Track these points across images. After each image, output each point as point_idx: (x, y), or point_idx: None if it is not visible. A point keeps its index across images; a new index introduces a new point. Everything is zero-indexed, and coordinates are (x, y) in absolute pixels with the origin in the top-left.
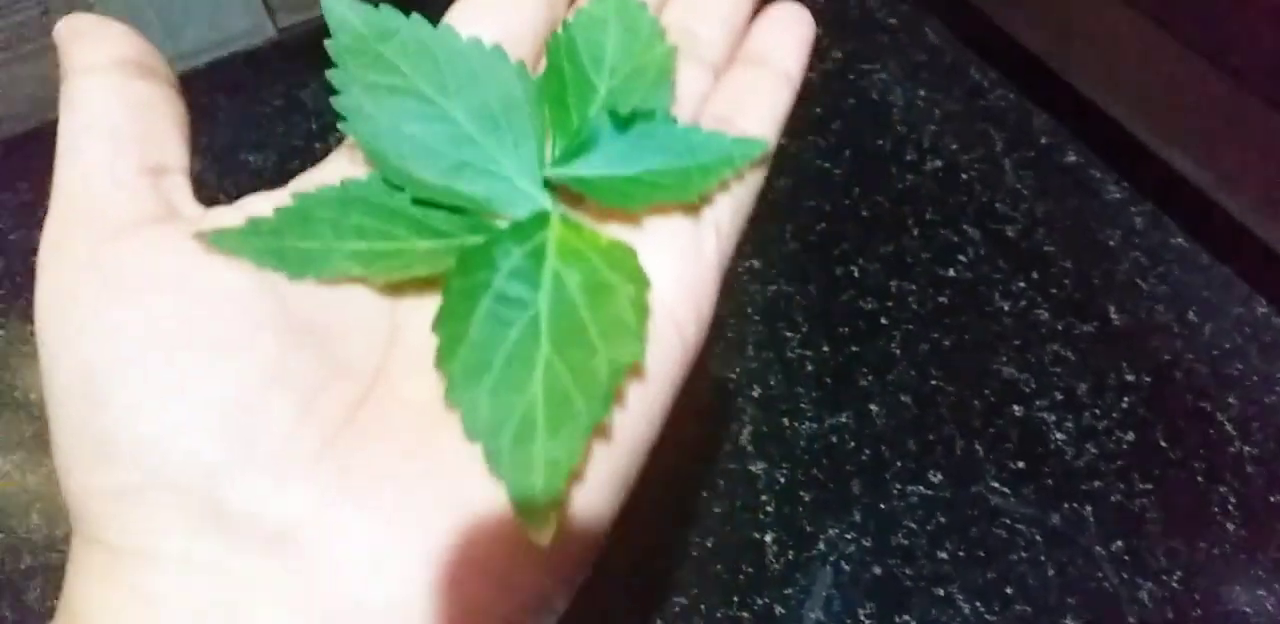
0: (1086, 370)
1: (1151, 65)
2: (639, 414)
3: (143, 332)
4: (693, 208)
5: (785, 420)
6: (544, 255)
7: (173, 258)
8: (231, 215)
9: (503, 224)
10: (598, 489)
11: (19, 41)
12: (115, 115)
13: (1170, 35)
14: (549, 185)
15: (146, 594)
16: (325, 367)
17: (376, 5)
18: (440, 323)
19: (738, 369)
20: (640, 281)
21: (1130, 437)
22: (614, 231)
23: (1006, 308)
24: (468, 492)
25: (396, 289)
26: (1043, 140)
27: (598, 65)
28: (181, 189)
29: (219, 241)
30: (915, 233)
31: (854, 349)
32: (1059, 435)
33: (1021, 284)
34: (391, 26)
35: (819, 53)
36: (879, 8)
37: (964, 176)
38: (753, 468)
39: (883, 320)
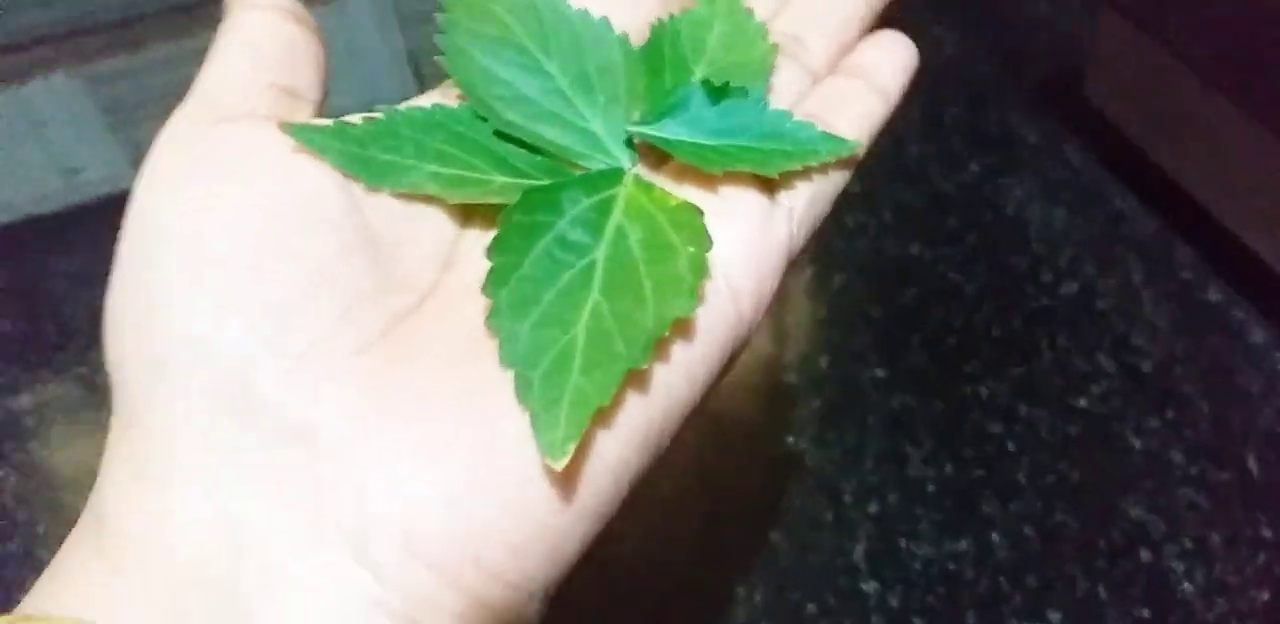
0: (1220, 520)
1: None
2: (680, 372)
3: (214, 209)
4: (770, 185)
5: (902, 541)
6: (611, 208)
7: (267, 148)
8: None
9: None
10: (624, 439)
11: None
12: (263, 40)
13: None
14: (631, 145)
15: (162, 474)
16: (379, 276)
17: None
18: (495, 249)
19: (855, 482)
20: (701, 243)
21: (1265, 596)
22: (687, 194)
23: (1139, 446)
24: (498, 424)
25: (466, 216)
26: (1184, 274)
27: (697, 55)
28: (305, 115)
29: (302, 136)
30: (1047, 358)
31: (979, 473)
32: (1188, 586)
33: (1155, 423)
34: None
35: (957, 163)
36: (1020, 124)
37: (1100, 304)
38: (864, 587)
39: (1009, 446)
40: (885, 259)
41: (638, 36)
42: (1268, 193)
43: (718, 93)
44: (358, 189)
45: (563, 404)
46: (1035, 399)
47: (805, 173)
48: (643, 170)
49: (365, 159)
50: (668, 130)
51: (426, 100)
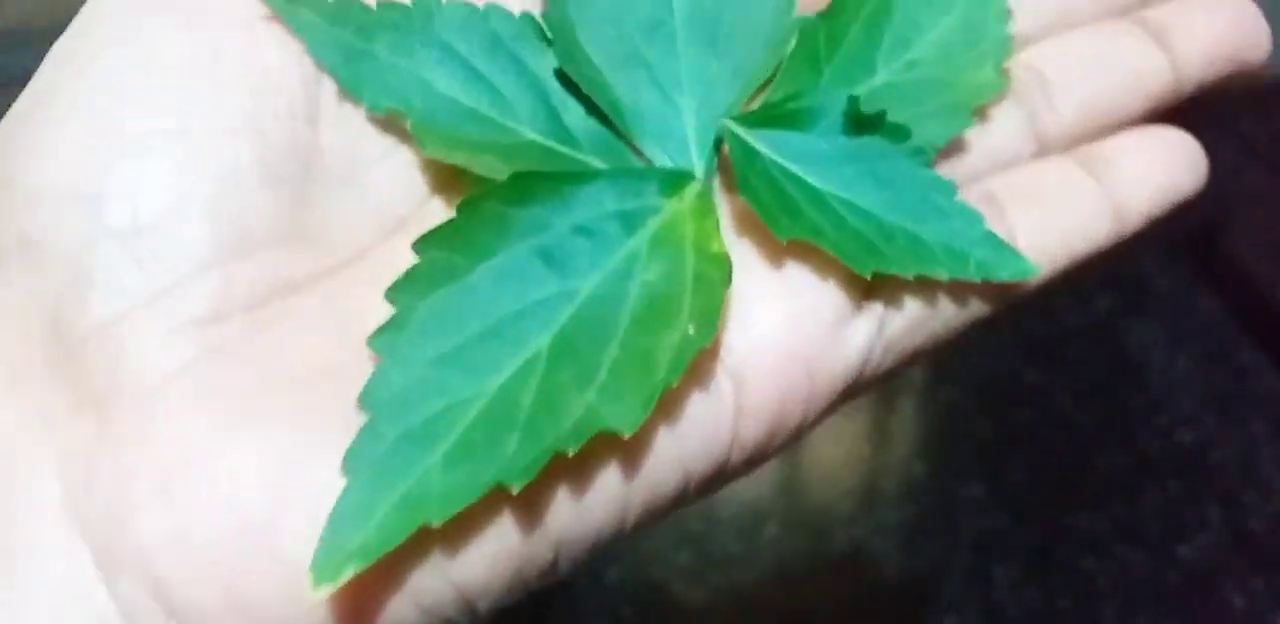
0: None
1: None
2: (598, 499)
3: (132, 64)
4: (861, 283)
5: None
6: (641, 226)
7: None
8: None
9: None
10: (459, 573)
11: None
12: None
13: None
14: (719, 145)
15: None
16: (297, 219)
17: None
18: (437, 238)
19: (937, 596)
20: (707, 326)
21: None
22: (744, 247)
23: (1240, 605)
24: (316, 476)
25: (451, 173)
26: None
27: (898, 49)
28: None
29: (282, 6)
30: (1153, 501)
31: (1063, 604)
32: None
33: (1260, 584)
34: None
35: (1084, 298)
36: (1154, 268)
37: (1215, 457)
38: None
39: (1100, 582)
40: (998, 380)
41: None
42: None
43: (863, 122)
44: (328, 91)
45: (391, 494)
46: (1134, 540)
47: (928, 286)
48: (720, 186)
49: (358, 55)
50: (764, 142)
51: None
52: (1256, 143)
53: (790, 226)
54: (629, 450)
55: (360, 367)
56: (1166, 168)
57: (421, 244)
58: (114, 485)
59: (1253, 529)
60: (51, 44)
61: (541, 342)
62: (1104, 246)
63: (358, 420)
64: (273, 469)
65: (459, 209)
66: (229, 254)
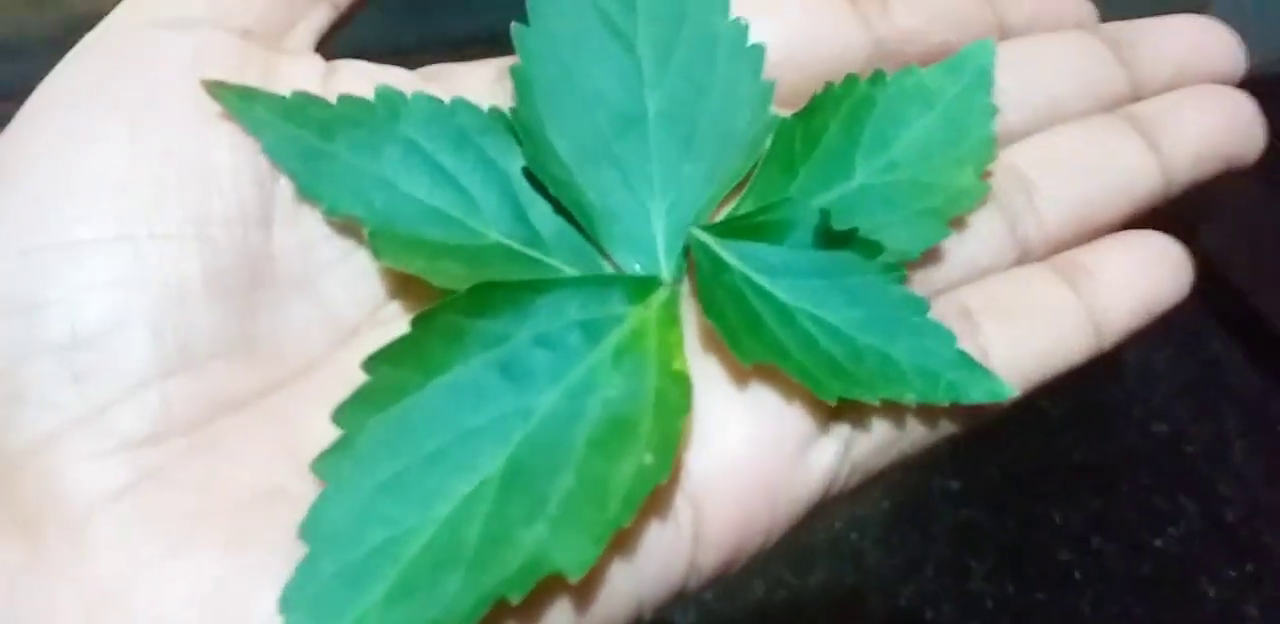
0: None
1: None
2: None
3: (79, 154)
4: (827, 404)
5: None
6: (603, 337)
7: (185, 94)
8: (306, 77)
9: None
10: None
11: None
12: None
13: None
14: (687, 251)
15: None
16: (244, 330)
17: None
18: (385, 358)
19: (913, 588)
20: (664, 458)
21: None
22: (709, 364)
23: (1212, 594)
24: (244, 612)
25: (403, 279)
26: None
27: (876, 149)
28: (315, 23)
29: (236, 104)
30: (1127, 493)
31: (1039, 596)
32: None
33: (1233, 573)
34: None
35: None
36: None
37: (1189, 448)
38: None
39: (1076, 574)
40: None
41: (810, 69)
42: None
43: (836, 237)
44: (284, 191)
45: None
46: (1109, 532)
47: (897, 407)
48: (687, 293)
49: (317, 154)
50: (731, 253)
51: (468, 75)
52: None
53: (754, 348)
54: (579, 589)
55: (307, 490)
56: (1149, 279)
57: (371, 362)
58: (39, 616)
59: (1227, 520)
60: (48, 55)
61: (493, 466)
62: (1082, 362)
63: (299, 551)
64: (208, 604)
65: (413, 324)
66: (170, 370)
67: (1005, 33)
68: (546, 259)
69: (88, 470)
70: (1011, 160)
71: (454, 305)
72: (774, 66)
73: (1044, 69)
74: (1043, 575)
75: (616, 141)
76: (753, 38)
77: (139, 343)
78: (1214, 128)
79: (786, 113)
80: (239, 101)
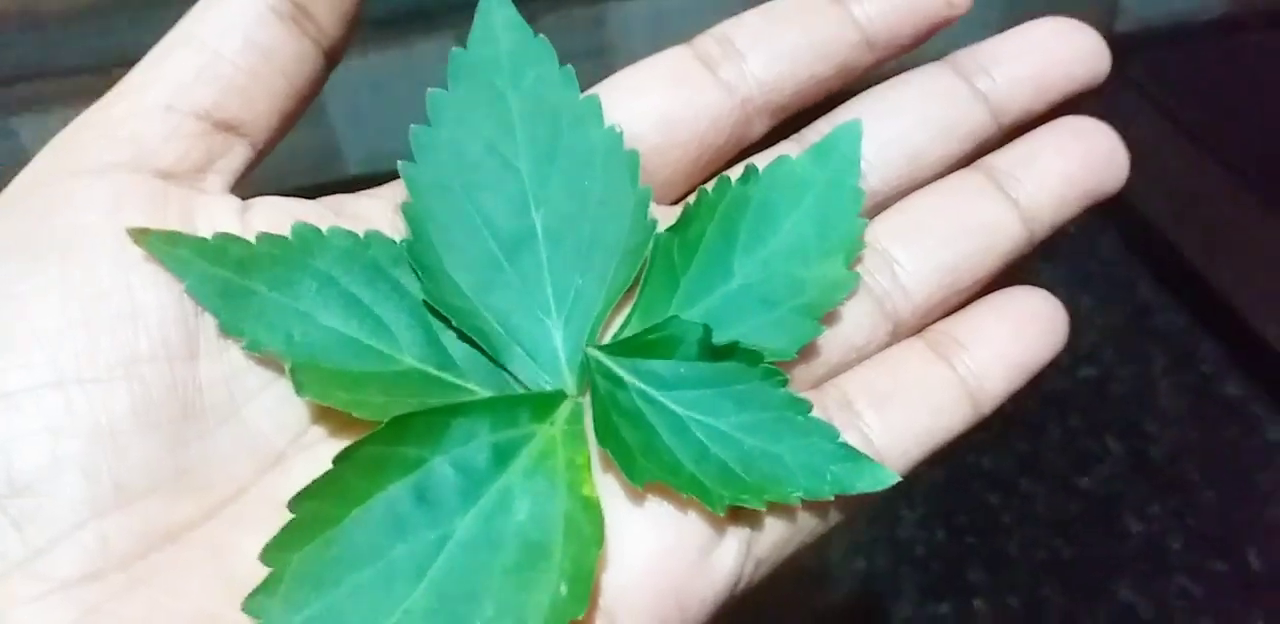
0: (1212, 610)
1: None
2: None
3: (9, 297)
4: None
5: (882, 600)
6: (513, 457)
7: (108, 239)
8: (224, 217)
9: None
10: None
11: None
12: (228, 42)
13: None
14: (587, 366)
15: None
16: (172, 462)
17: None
18: (308, 494)
19: (844, 537)
20: (580, 589)
21: None
22: (610, 478)
23: (1137, 530)
24: None
25: (326, 407)
26: (1205, 368)
27: (752, 248)
28: (232, 163)
29: (159, 248)
30: (1055, 436)
31: (969, 541)
32: None
33: (1157, 508)
34: (532, 56)
35: None
36: None
37: (1116, 390)
38: None
39: (1005, 518)
40: None
41: (687, 160)
42: None
43: (716, 353)
44: (208, 326)
45: None
46: (1038, 475)
47: (787, 507)
48: (588, 410)
49: (237, 292)
50: (626, 371)
51: (369, 207)
52: (1150, 94)
53: (646, 469)
54: None
55: (242, 618)
56: (1022, 343)
57: (296, 499)
58: None
59: (1150, 457)
60: (64, 29)
61: (415, 596)
62: (962, 431)
63: None
64: None
65: (335, 460)
66: (105, 509)
67: (869, 48)
68: (460, 382)
69: (29, 613)
70: (874, 235)
71: (373, 438)
72: (655, 149)
73: (901, 122)
74: (972, 521)
75: (511, 263)
76: (626, 123)
77: (74, 485)
78: (1074, 169)
79: (671, 206)
80: (162, 245)
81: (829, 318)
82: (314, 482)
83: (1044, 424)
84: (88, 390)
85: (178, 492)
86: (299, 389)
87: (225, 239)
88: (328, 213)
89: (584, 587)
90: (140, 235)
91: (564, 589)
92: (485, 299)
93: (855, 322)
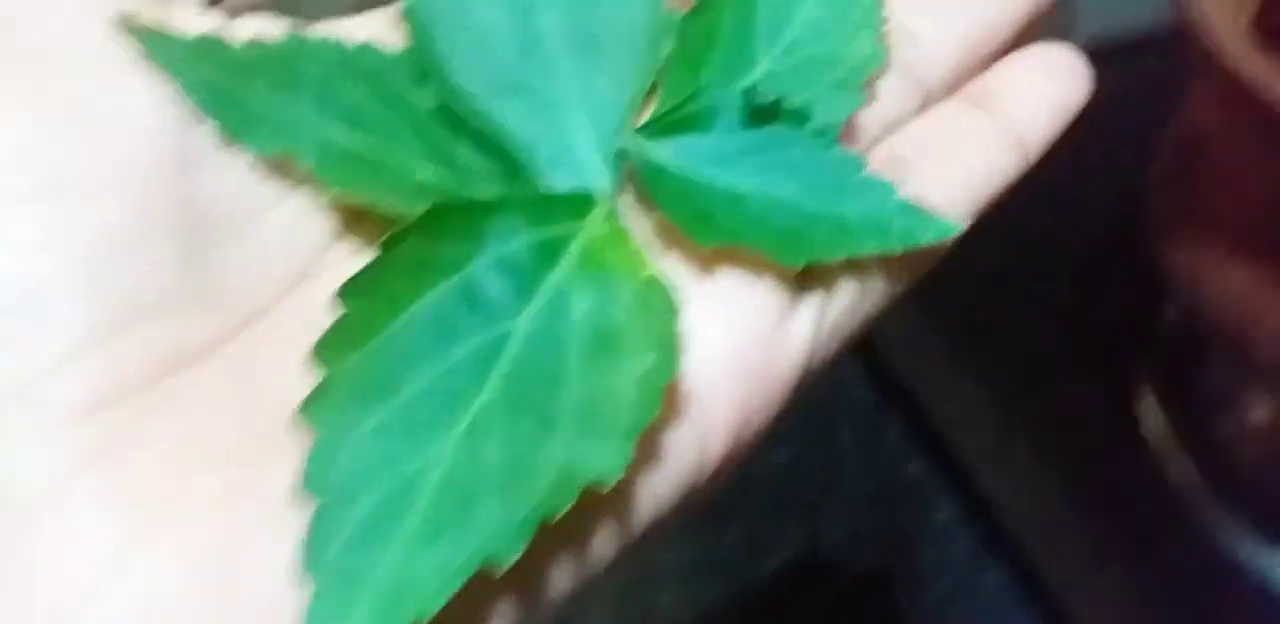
0: None
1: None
2: (596, 550)
3: None
4: (793, 275)
5: None
6: (559, 255)
7: (93, 41)
8: (206, 26)
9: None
10: None
11: None
12: None
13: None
14: (619, 164)
15: None
16: (184, 279)
17: None
18: (353, 290)
19: None
20: (668, 352)
21: None
22: (670, 262)
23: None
24: (270, 567)
25: (353, 215)
26: (890, 447)
27: (772, 35)
28: None
29: (154, 44)
30: (734, 531)
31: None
32: None
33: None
34: None
35: None
36: None
37: (802, 473)
38: None
39: (682, 616)
40: None
41: None
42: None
43: (762, 113)
44: (205, 137)
45: (368, 591)
46: (715, 569)
47: (857, 264)
48: (627, 204)
49: (235, 97)
50: (669, 154)
51: (361, 27)
52: None
53: (711, 231)
54: (613, 499)
55: (286, 440)
56: (1054, 85)
57: (344, 293)
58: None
59: (827, 543)
60: None
61: (491, 392)
62: (1013, 179)
63: (301, 505)
64: (208, 572)
65: (381, 247)
66: (111, 328)
67: None
68: (481, 193)
69: (35, 447)
70: (888, 7)
71: (414, 229)
72: None
73: None
74: (651, 620)
75: (522, 67)
76: None
77: (72, 302)
78: None
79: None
80: (152, 41)
81: (867, 90)
82: (358, 275)
83: (726, 514)
84: (82, 197)
85: (195, 311)
86: (327, 183)
87: (216, 41)
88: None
89: (670, 352)
90: (136, 30)
91: (651, 359)
92: (500, 105)
93: (888, 93)
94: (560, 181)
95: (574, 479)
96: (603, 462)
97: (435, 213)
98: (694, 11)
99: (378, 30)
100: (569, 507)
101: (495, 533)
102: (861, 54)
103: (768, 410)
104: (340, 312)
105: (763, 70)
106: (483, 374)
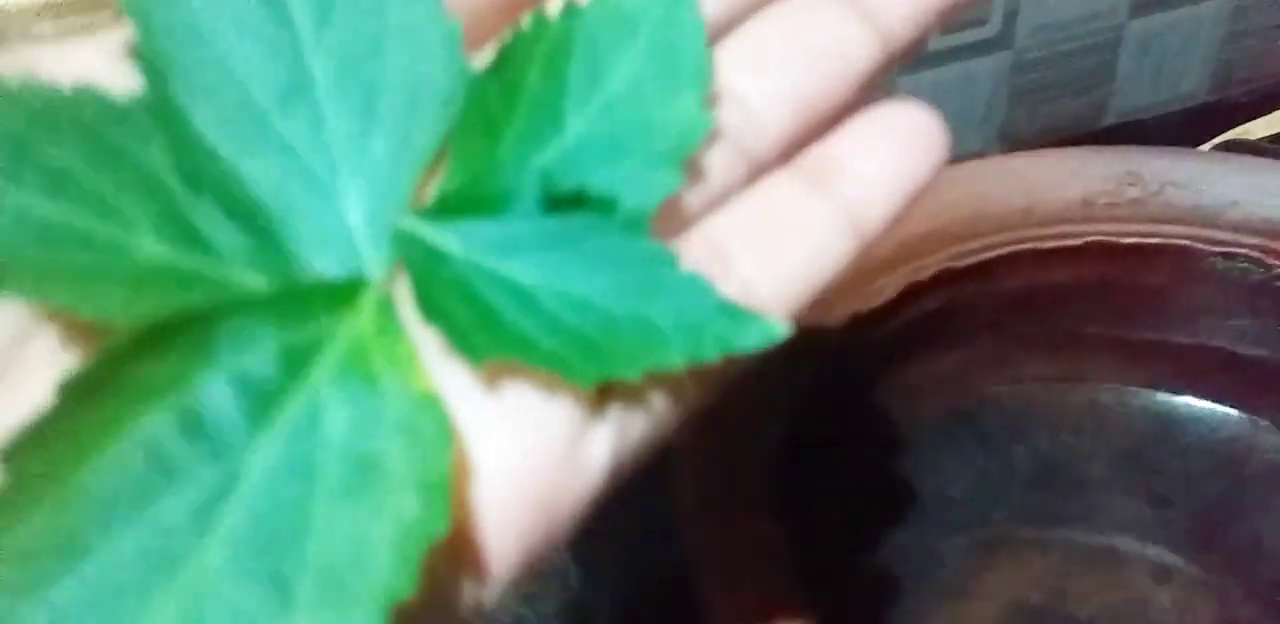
0: None
1: None
2: None
3: None
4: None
5: None
6: (314, 360)
7: None
8: None
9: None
10: None
11: None
12: None
13: None
14: (396, 242)
15: None
16: None
17: None
18: (34, 439)
19: None
20: (434, 501)
21: None
22: (450, 368)
23: None
24: None
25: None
26: None
27: (587, 89)
28: None
29: None
30: None
31: None
32: None
33: None
34: None
35: None
36: None
37: None
38: None
39: None
40: None
41: (497, 17)
42: None
43: (561, 201)
44: None
45: None
46: None
47: (663, 378)
48: (402, 293)
49: None
50: (452, 239)
51: (74, 57)
52: None
53: (489, 344)
54: None
55: None
56: (902, 158)
57: (12, 451)
58: None
59: None
60: None
61: (214, 553)
62: (848, 263)
63: None
64: None
65: (57, 393)
66: None
67: None
68: (225, 272)
69: None
70: (720, 73)
71: (112, 355)
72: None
73: None
74: None
75: (282, 119)
76: None
77: None
78: None
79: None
80: None
81: (688, 168)
82: (29, 426)
83: None
84: None
85: None
86: (4, 286)
87: None
88: (14, 65)
89: (440, 497)
90: None
91: (414, 504)
92: (251, 165)
93: (713, 167)
94: (323, 264)
95: None
96: (372, 604)
97: (145, 329)
98: (492, 68)
99: (96, 63)
100: None
101: None
102: (686, 120)
103: (556, 537)
104: (6, 473)
105: (574, 134)
106: (203, 530)
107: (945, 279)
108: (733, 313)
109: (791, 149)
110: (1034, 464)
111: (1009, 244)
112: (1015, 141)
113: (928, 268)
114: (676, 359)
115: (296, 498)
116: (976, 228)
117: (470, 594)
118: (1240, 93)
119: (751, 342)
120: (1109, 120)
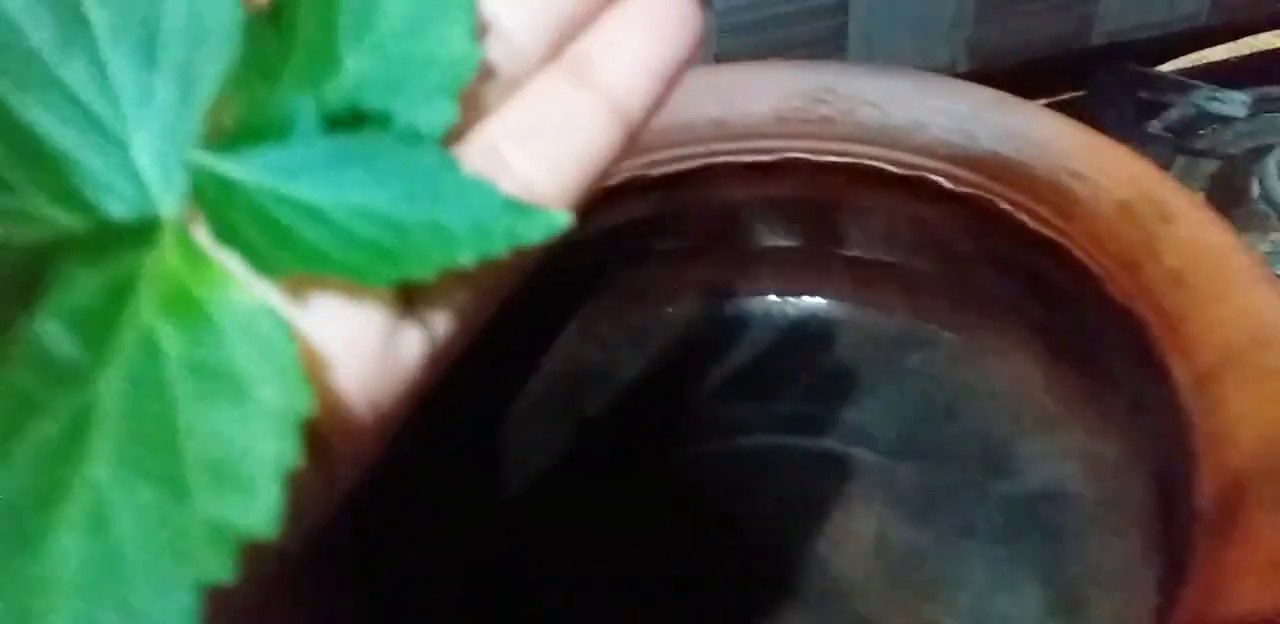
0: None
1: None
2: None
3: None
4: (392, 293)
5: None
6: (130, 297)
7: None
8: None
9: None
10: None
11: None
12: None
13: None
14: (188, 177)
15: None
16: None
17: None
18: None
19: None
20: (295, 388)
21: None
22: (259, 289)
23: None
24: None
25: None
26: None
27: (360, 29)
28: None
29: None
30: None
31: None
32: None
33: None
34: None
35: None
36: None
37: None
38: None
39: None
40: None
41: None
42: None
43: (341, 119)
44: None
45: None
46: None
47: (463, 277)
48: (199, 228)
49: None
50: (240, 169)
51: None
52: None
53: (284, 260)
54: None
55: None
56: (657, 44)
57: None
58: None
59: None
60: None
61: (99, 470)
62: (621, 148)
63: None
64: None
65: None
66: None
67: None
68: (32, 208)
69: None
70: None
71: None
72: None
73: None
74: None
75: (60, 65)
76: None
77: None
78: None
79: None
80: None
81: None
82: None
83: None
84: None
85: None
86: None
87: None
88: None
89: (296, 377)
90: None
91: (275, 389)
92: (37, 114)
93: (483, 94)
94: (117, 205)
95: (227, 539)
96: (255, 514)
97: None
98: (269, 8)
99: None
100: (232, 568)
101: (160, 618)
102: (457, 53)
103: (388, 428)
104: None
105: (351, 72)
106: (80, 456)
107: (636, 188)
108: (516, 209)
109: (554, 43)
110: (721, 374)
111: (703, 156)
112: (986, 57)
113: (617, 174)
114: (468, 257)
115: (159, 412)
116: (669, 138)
117: (343, 473)
118: (1241, 18)
119: (536, 234)
120: (1097, 40)
